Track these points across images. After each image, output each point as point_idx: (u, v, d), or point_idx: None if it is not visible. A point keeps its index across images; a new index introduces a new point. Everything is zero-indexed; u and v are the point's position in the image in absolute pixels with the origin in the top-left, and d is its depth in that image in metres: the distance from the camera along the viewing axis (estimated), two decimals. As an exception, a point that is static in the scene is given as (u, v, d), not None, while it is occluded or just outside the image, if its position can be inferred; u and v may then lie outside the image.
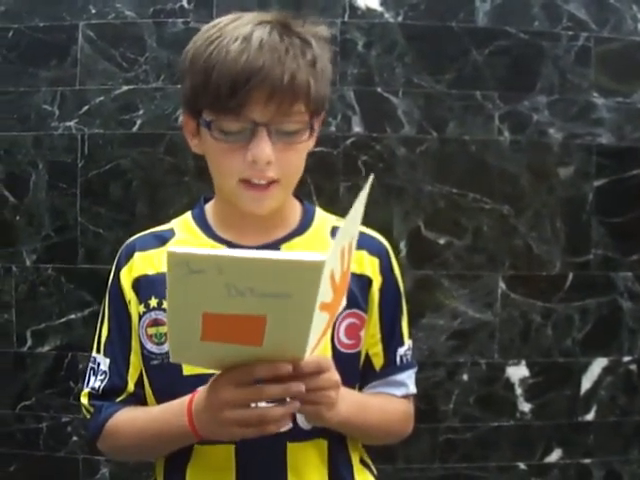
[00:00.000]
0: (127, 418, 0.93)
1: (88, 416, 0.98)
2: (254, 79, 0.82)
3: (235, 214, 0.93)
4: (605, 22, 1.99)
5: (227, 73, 0.83)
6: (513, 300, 1.97)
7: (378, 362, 0.98)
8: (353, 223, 0.72)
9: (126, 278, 0.95)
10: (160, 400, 0.91)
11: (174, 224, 0.99)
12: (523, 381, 1.99)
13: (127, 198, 1.93)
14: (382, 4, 1.93)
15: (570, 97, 1.98)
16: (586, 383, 2.02)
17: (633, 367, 2.03)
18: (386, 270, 0.97)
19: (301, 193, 0.99)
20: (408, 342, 1.01)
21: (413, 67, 1.93)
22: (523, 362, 1.99)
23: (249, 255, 0.66)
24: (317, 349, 0.77)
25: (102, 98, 1.94)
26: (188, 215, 1.00)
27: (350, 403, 0.87)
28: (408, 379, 1.00)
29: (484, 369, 1.98)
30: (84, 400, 0.98)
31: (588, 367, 2.01)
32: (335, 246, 0.67)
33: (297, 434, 0.89)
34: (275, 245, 0.94)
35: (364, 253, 0.95)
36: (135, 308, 0.94)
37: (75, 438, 1.97)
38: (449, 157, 1.94)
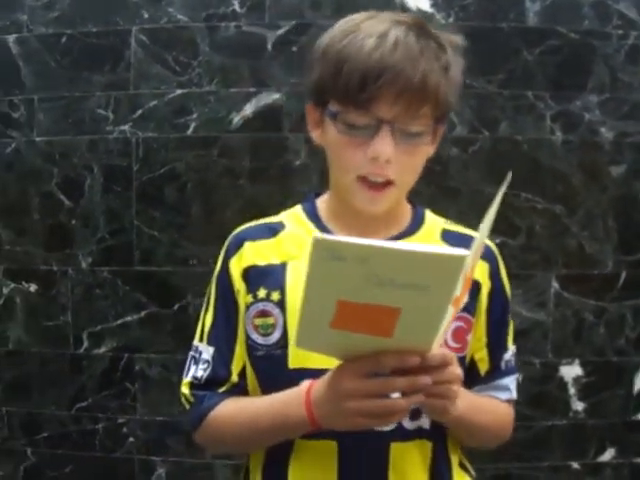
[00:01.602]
0: (232, 409, 0.92)
1: (187, 406, 0.96)
2: (386, 75, 0.82)
3: (348, 211, 0.93)
4: (655, 21, 1.99)
5: (359, 67, 0.83)
6: (566, 299, 1.97)
7: (483, 367, 0.97)
8: (489, 222, 0.73)
9: (235, 267, 0.94)
10: (265, 391, 0.91)
11: (283, 217, 0.99)
12: (576, 380, 1.99)
13: (182, 201, 1.95)
14: (433, 5, 1.94)
15: (621, 96, 1.98)
16: (639, 382, 2.01)
17: (686, 365, 2.03)
18: (495, 275, 0.97)
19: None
20: (512, 347, 1.00)
21: (464, 67, 1.93)
22: (576, 361, 1.98)
23: (394, 246, 0.66)
24: (439, 342, 0.77)
25: (156, 102, 1.96)
26: (298, 208, 0.99)
27: (465, 400, 0.86)
28: (511, 384, 1.00)
29: (538, 368, 1.98)
30: (185, 390, 0.96)
31: (641, 366, 2.01)
32: (477, 242, 0.69)
33: (402, 434, 0.89)
34: None
35: None
36: (243, 298, 0.93)
37: (131, 439, 2.00)
38: (501, 157, 1.94)
